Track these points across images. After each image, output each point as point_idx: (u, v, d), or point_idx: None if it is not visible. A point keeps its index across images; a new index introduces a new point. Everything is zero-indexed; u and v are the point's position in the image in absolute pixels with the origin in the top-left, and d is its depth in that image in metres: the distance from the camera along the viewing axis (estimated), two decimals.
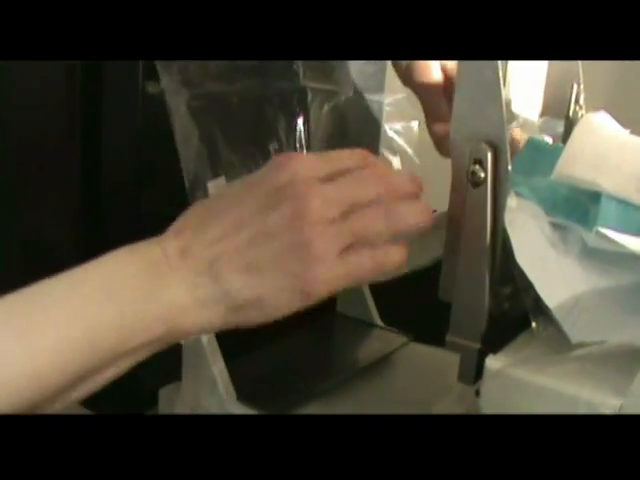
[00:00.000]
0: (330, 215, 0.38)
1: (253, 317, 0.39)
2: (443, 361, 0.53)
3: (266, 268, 0.38)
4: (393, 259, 0.41)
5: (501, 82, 0.41)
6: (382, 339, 0.68)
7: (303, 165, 0.39)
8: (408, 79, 0.65)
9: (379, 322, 0.70)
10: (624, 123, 0.52)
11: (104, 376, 0.38)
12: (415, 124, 0.72)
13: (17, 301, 0.36)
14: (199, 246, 0.38)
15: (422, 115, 0.66)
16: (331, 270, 0.38)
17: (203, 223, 0.39)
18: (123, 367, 0.38)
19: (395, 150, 0.70)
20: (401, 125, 0.71)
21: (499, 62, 0.42)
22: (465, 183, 0.43)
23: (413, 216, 0.41)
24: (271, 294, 0.38)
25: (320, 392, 0.57)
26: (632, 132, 0.52)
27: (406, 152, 0.71)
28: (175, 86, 0.49)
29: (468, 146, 0.43)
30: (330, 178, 0.40)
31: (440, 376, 0.50)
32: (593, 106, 0.54)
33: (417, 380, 0.61)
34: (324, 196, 0.39)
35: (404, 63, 0.64)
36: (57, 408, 0.37)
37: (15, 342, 0.34)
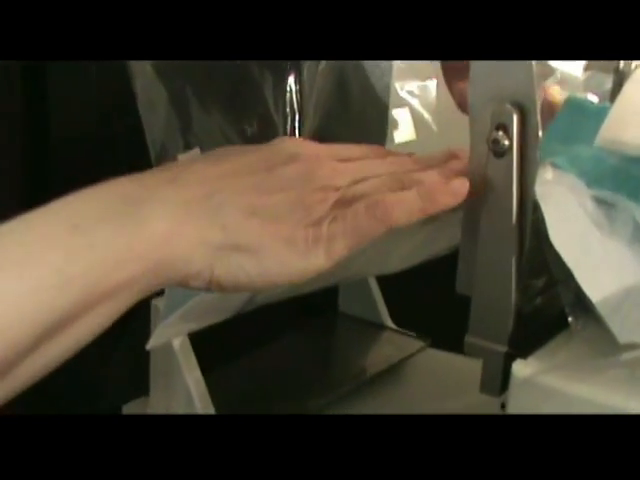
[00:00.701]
0: (336, 183, 0.43)
1: (249, 271, 0.41)
2: (465, 370, 0.53)
3: (268, 216, 0.41)
4: (397, 201, 0.43)
5: None
6: (393, 343, 0.68)
7: (313, 145, 0.45)
8: None
9: (389, 323, 0.71)
10: None
11: (80, 330, 0.38)
12: (433, 83, 0.72)
13: None
14: (194, 177, 0.41)
15: (440, 72, 0.66)
16: (330, 230, 0.42)
17: (199, 161, 0.43)
18: (102, 318, 0.38)
19: (409, 115, 0.70)
20: (416, 84, 0.72)
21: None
22: (486, 153, 0.43)
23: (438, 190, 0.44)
24: (272, 246, 0.41)
25: (316, 408, 0.57)
26: None
27: (422, 118, 0.72)
28: None
29: (489, 108, 0.43)
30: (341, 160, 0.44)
31: (461, 387, 0.50)
32: None
33: (434, 393, 0.61)
34: (333, 166, 0.43)
35: None
36: (29, 371, 0.37)
37: None
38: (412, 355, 0.67)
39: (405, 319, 0.70)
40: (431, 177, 0.45)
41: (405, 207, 0.43)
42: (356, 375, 0.63)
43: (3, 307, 0.35)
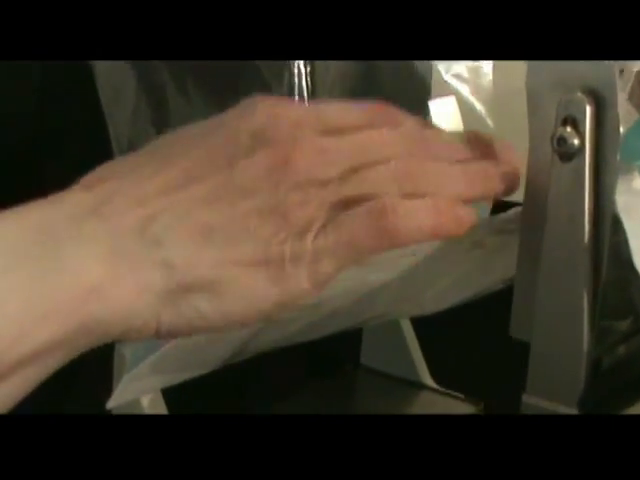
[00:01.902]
0: (324, 175, 0.41)
1: (206, 313, 0.41)
2: None
3: (228, 238, 0.41)
4: (409, 211, 0.42)
5: None
6: (434, 408, 0.69)
7: (292, 109, 0.43)
8: None
9: (428, 381, 0.72)
10: None
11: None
12: (488, 65, 0.74)
13: None
14: (126, 200, 0.40)
15: None
16: (316, 245, 0.41)
17: (133, 171, 0.41)
18: (25, 382, 0.39)
19: (455, 106, 0.72)
20: (465, 66, 0.74)
21: None
22: (550, 155, 0.45)
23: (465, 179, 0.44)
24: (234, 277, 0.41)
25: None
26: None
27: (473, 108, 0.73)
28: None
29: (555, 98, 0.45)
30: (331, 132, 0.43)
31: None
32: None
33: None
34: (319, 147, 0.42)
35: None
36: None
37: None
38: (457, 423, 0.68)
39: (449, 376, 0.71)
40: (455, 181, 0.45)
41: (417, 223, 0.42)
42: None
43: None
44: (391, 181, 0.43)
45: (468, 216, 0.43)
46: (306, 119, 0.43)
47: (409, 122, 0.46)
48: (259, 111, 0.42)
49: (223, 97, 0.53)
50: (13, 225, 0.40)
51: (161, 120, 0.55)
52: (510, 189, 0.45)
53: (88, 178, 0.42)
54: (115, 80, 0.53)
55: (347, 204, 0.42)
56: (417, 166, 0.44)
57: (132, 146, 0.53)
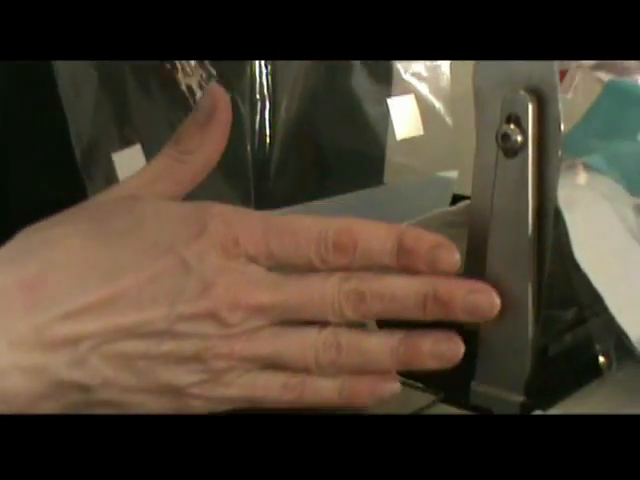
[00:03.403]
0: (253, 330, 0.43)
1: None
2: None
3: (145, 370, 0.43)
4: (324, 392, 0.45)
5: None
6: (395, 398, 0.69)
7: (226, 230, 0.43)
8: None
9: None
10: None
11: None
12: (445, 64, 0.74)
13: None
14: (62, 310, 0.41)
15: None
16: (226, 392, 0.44)
17: (75, 278, 0.42)
18: None
19: (414, 104, 0.72)
20: (424, 65, 0.74)
21: None
22: (496, 151, 0.45)
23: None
24: (140, 401, 0.43)
25: None
26: None
27: (432, 107, 0.74)
28: None
29: (500, 96, 0.45)
30: (275, 260, 0.43)
31: None
32: None
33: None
34: (255, 304, 0.43)
35: None
36: None
37: None
38: (420, 410, 0.69)
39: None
40: (383, 359, 0.45)
41: (326, 399, 0.45)
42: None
43: None
44: (313, 351, 0.44)
45: (388, 392, 0.46)
46: (256, 259, 0.43)
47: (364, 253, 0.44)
48: (210, 257, 0.43)
49: (184, 94, 0.53)
50: None
51: (122, 118, 0.55)
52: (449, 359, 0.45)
53: (32, 270, 0.42)
54: (76, 78, 0.52)
55: (265, 363, 0.44)
56: (346, 339, 0.44)
57: (94, 146, 0.53)
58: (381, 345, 0.44)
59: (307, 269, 0.44)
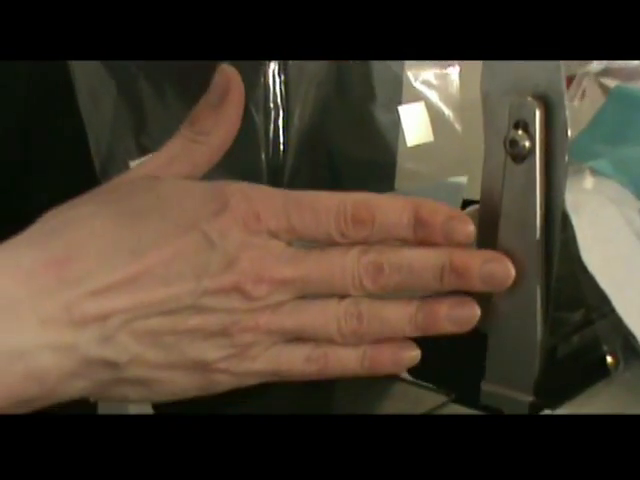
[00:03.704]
0: (277, 304, 0.44)
1: (129, 398, 0.45)
2: None
3: (173, 345, 0.43)
4: (348, 362, 0.46)
5: None
6: (407, 398, 0.70)
7: (247, 206, 0.44)
8: None
9: (406, 374, 0.71)
10: None
11: None
12: (455, 71, 0.75)
13: None
14: (90, 287, 0.41)
15: None
16: (252, 366, 0.45)
17: (101, 256, 0.42)
18: None
19: (424, 111, 0.73)
20: (433, 73, 0.74)
21: None
22: (504, 156, 0.46)
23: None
24: (168, 377, 0.44)
25: None
26: None
27: (442, 114, 0.74)
28: None
29: (508, 102, 0.45)
30: (296, 234, 0.44)
31: None
32: None
33: None
34: (278, 278, 0.44)
35: None
36: None
37: None
38: (431, 411, 0.69)
39: (420, 368, 0.72)
40: (402, 325, 0.46)
41: (349, 369, 0.46)
42: None
43: None
44: (335, 321, 0.45)
45: (408, 360, 0.47)
46: (273, 213, 0.44)
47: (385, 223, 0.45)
48: (221, 210, 0.43)
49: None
50: None
51: (139, 128, 0.55)
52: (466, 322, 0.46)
53: (51, 249, 0.42)
54: (94, 89, 0.53)
55: (289, 336, 0.45)
56: (366, 308, 0.45)
57: (112, 154, 0.53)
58: (400, 312, 0.45)
59: (327, 243, 0.44)
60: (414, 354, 0.47)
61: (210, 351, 0.44)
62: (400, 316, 0.45)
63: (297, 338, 0.45)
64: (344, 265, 0.44)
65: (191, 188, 0.45)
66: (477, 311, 0.45)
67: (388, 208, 0.45)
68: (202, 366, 0.44)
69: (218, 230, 0.43)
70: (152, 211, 0.44)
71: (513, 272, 0.45)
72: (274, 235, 0.44)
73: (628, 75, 0.59)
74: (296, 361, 0.46)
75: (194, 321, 0.43)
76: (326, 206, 0.44)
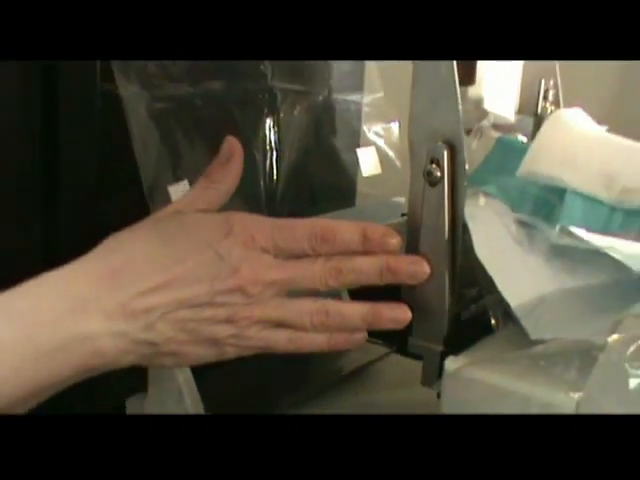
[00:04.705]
0: (268, 299, 0.44)
1: (166, 365, 0.46)
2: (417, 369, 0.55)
3: (196, 329, 0.43)
4: (317, 343, 0.46)
5: (456, 80, 0.44)
6: (361, 350, 0.69)
7: (246, 230, 0.44)
8: None
9: None
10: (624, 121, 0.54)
11: (25, 406, 0.41)
12: (395, 125, 0.75)
13: None
14: (137, 290, 0.42)
15: (402, 115, 0.68)
16: (249, 343, 0.45)
17: (146, 267, 0.42)
18: (45, 397, 0.41)
19: (375, 153, 0.73)
20: (381, 126, 0.75)
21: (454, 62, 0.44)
22: (423, 182, 0.46)
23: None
24: (192, 350, 0.44)
25: (292, 403, 0.59)
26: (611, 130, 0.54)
27: (387, 155, 0.74)
28: (133, 88, 0.52)
29: (426, 145, 0.45)
30: (280, 250, 0.44)
31: (412, 383, 0.52)
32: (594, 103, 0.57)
33: (394, 392, 0.64)
34: (269, 280, 0.44)
35: None
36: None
37: None
38: (379, 359, 0.69)
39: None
40: (356, 321, 0.46)
41: (317, 346, 0.46)
42: (326, 376, 0.65)
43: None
44: (309, 315, 0.45)
45: (358, 340, 0.47)
46: (263, 236, 0.44)
47: (343, 238, 0.45)
48: (228, 235, 0.44)
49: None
50: (54, 294, 0.41)
51: (175, 163, 0.55)
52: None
53: (114, 257, 0.43)
54: (145, 136, 0.53)
55: (275, 323, 0.45)
56: (332, 307, 0.46)
57: (156, 181, 0.53)
58: (356, 312, 0.46)
59: (301, 255, 0.45)
60: (362, 336, 0.47)
61: (220, 332, 0.44)
62: (355, 314, 0.46)
63: (281, 325, 0.45)
64: (314, 270, 0.45)
65: (205, 219, 0.46)
66: (408, 314, 0.46)
67: (345, 230, 0.45)
68: (214, 342, 0.44)
69: (225, 248, 0.43)
70: (178, 235, 0.44)
71: (428, 270, 0.45)
72: (265, 250, 0.44)
73: (507, 129, 0.60)
74: (280, 341, 0.46)
75: (209, 312, 0.43)
76: (301, 230, 0.45)
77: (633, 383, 0.35)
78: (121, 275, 0.42)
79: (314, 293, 0.46)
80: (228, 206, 0.49)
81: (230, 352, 0.45)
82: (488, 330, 0.48)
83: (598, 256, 0.45)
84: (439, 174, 0.45)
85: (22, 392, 0.39)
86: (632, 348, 0.36)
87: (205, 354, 0.45)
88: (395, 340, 0.69)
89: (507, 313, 0.46)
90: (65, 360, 0.40)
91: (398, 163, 0.75)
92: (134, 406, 0.59)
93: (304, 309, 0.45)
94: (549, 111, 0.56)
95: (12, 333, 0.39)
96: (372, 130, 0.75)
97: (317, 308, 0.45)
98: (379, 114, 0.75)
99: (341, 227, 0.45)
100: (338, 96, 0.71)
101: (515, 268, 0.46)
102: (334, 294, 0.48)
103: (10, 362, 0.38)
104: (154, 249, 0.43)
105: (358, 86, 0.73)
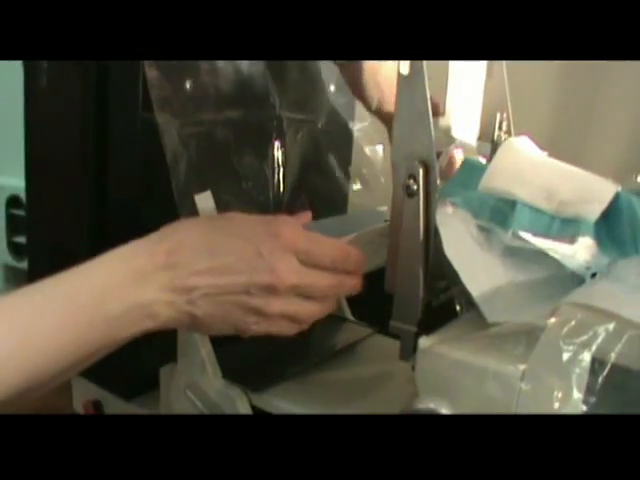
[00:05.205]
0: (290, 296, 0.45)
1: (199, 331, 0.47)
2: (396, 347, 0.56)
3: (227, 312, 0.44)
4: (309, 311, 0.47)
5: (430, 112, 0.45)
6: (351, 331, 0.70)
7: (291, 237, 0.44)
8: (379, 111, 0.66)
9: (350, 316, 0.73)
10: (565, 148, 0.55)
11: (85, 365, 0.42)
12: (380, 147, 0.76)
13: (21, 298, 0.39)
14: (186, 271, 0.42)
15: (386, 140, 0.70)
16: (268, 328, 0.46)
17: (196, 253, 0.42)
18: (102, 355, 0.42)
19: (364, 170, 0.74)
20: (368, 148, 0.76)
21: (428, 96, 0.45)
22: (402, 195, 0.47)
23: None
24: (219, 327, 0.45)
25: (294, 373, 0.60)
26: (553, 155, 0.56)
27: (373, 172, 0.76)
28: (167, 116, 0.53)
29: (405, 164, 0.46)
30: (309, 258, 0.45)
31: (391, 359, 0.53)
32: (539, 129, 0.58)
33: (377, 365, 0.64)
34: (296, 283, 0.44)
35: (376, 98, 0.65)
36: (39, 394, 0.39)
37: (14, 339, 0.37)
38: (364, 339, 0.69)
39: (362, 313, 0.73)
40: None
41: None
42: (323, 351, 0.66)
43: (33, 358, 0.37)
44: (315, 318, 0.47)
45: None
46: (298, 244, 0.44)
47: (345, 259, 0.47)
48: (271, 238, 0.44)
49: (235, 165, 0.54)
50: (119, 270, 0.41)
51: (201, 175, 0.56)
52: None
53: (171, 241, 0.42)
54: (176, 154, 0.54)
55: (287, 318, 0.46)
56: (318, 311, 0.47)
57: (185, 191, 0.54)
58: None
59: (326, 267, 0.45)
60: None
61: (246, 317, 0.44)
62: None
63: (289, 319, 0.46)
64: (327, 283, 0.46)
65: (254, 219, 0.46)
66: (359, 286, 0.48)
67: (354, 254, 0.47)
68: (240, 323, 0.45)
69: (268, 248, 0.43)
70: (228, 230, 0.44)
71: (360, 285, 0.48)
72: (296, 255, 0.44)
73: (472, 151, 0.61)
74: (290, 329, 0.46)
75: (242, 299, 0.43)
76: (329, 247, 0.46)
77: (565, 356, 0.37)
78: (174, 256, 0.42)
79: None
80: (244, 211, 0.49)
81: (249, 332, 0.46)
82: (454, 315, 0.49)
83: (542, 255, 0.46)
84: (415, 188, 0.46)
85: (93, 348, 0.40)
86: (565, 329, 0.37)
87: (229, 330, 0.46)
88: (378, 323, 0.72)
89: (469, 301, 0.46)
90: (128, 321, 0.40)
91: (382, 179, 0.76)
92: (166, 374, 0.60)
93: (314, 313, 0.47)
94: (503, 139, 0.57)
95: (87, 300, 0.39)
96: (361, 151, 0.76)
97: (321, 311, 0.47)
98: (367, 138, 0.76)
99: (352, 251, 0.47)
100: (333, 123, 0.72)
101: (476, 264, 0.47)
102: None
103: (83, 325, 0.39)
104: (205, 239, 0.43)
105: (350, 115, 0.75)
